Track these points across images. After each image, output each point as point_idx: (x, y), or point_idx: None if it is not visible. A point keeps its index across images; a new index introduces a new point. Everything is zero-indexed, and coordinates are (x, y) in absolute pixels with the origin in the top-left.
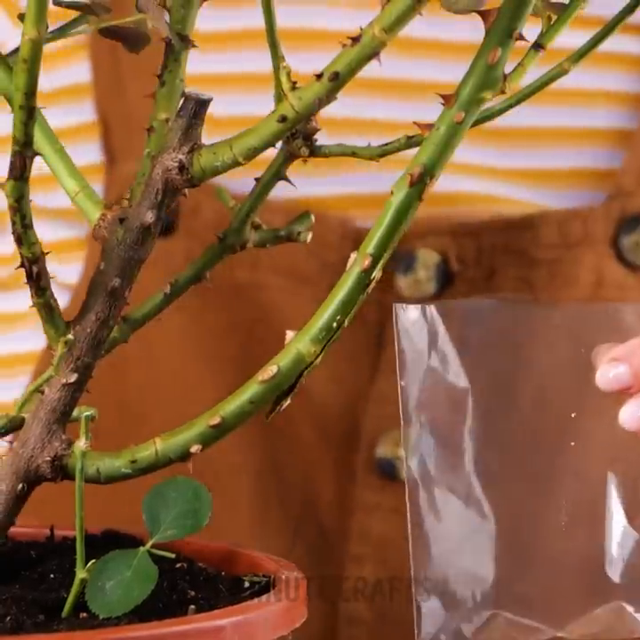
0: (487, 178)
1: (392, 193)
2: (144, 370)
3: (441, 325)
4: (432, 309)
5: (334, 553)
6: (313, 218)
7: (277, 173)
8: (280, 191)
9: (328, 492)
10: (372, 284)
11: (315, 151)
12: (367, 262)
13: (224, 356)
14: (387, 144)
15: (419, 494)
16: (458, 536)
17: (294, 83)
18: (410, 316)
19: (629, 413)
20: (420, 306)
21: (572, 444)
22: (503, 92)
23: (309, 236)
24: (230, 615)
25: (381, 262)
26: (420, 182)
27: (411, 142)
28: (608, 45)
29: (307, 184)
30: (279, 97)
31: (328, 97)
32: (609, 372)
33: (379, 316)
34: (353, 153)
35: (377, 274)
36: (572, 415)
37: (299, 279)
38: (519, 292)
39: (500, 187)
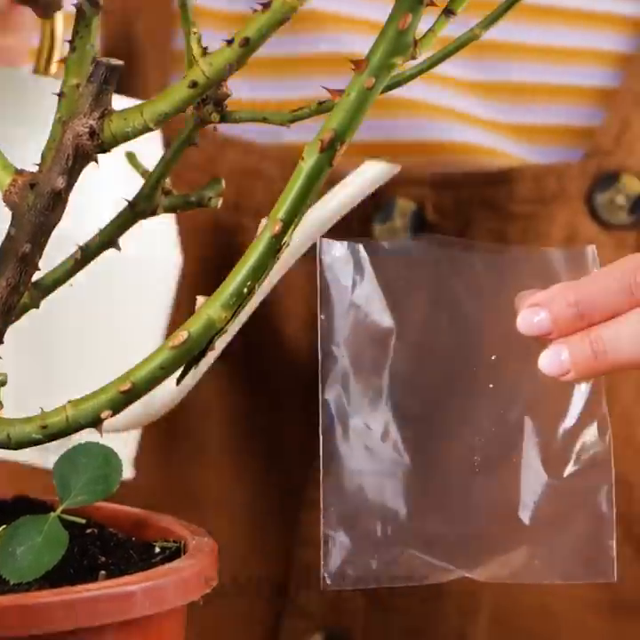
0: (481, 129)
1: (303, 158)
2: None
3: (368, 264)
4: (360, 247)
5: (302, 501)
6: (223, 183)
7: (188, 139)
8: (273, 137)
9: (296, 437)
10: (283, 249)
11: (225, 117)
12: (278, 227)
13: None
14: (297, 110)
15: (334, 427)
16: (371, 471)
17: (205, 49)
18: (335, 252)
19: (548, 359)
20: (346, 242)
21: (491, 386)
22: (414, 58)
23: (220, 202)
24: (141, 581)
25: (292, 228)
26: (330, 148)
27: (322, 108)
28: (598, 5)
29: (297, 130)
30: (190, 63)
31: (239, 62)
32: (529, 317)
33: None
34: (264, 118)
35: (288, 239)
36: (493, 358)
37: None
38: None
39: (493, 139)
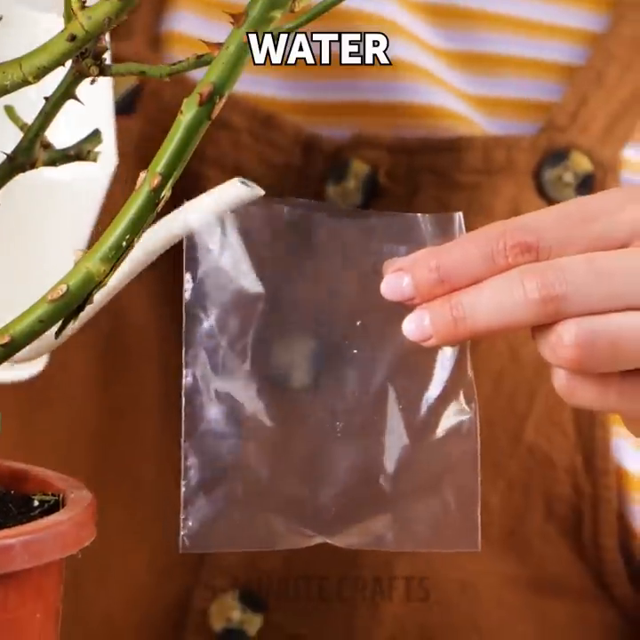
0: (448, 92)
1: (181, 112)
2: None
3: (234, 229)
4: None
5: None
6: (102, 137)
7: (67, 92)
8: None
9: None
10: (162, 203)
11: (104, 70)
12: (156, 181)
13: None
14: (176, 63)
15: (197, 390)
16: (232, 435)
17: (84, 2)
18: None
19: (410, 324)
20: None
21: (355, 352)
22: (293, 11)
23: (99, 156)
24: (19, 534)
25: (171, 181)
26: (209, 102)
27: (200, 61)
28: None
29: (266, 84)
30: (68, 16)
31: (117, 16)
32: (392, 282)
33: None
34: (141, 72)
35: (166, 193)
36: (358, 323)
37: (242, 176)
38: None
39: (457, 103)
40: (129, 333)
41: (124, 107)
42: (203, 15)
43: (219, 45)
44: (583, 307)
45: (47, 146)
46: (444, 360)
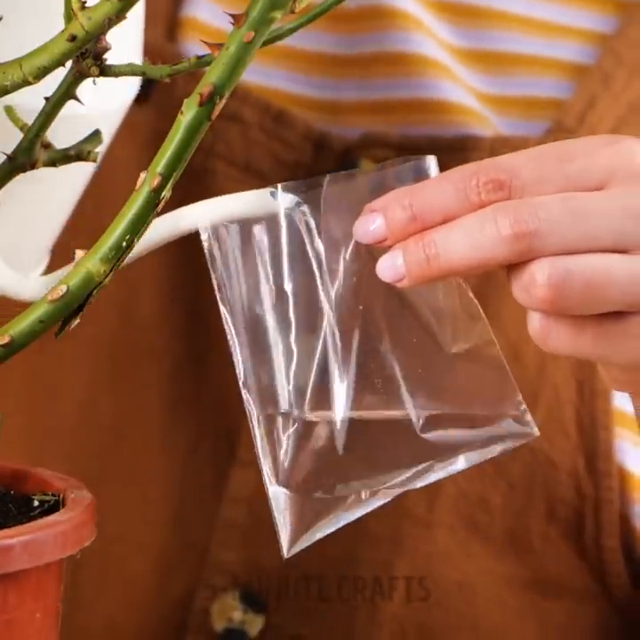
0: (461, 88)
1: (182, 112)
2: None
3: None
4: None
5: (234, 459)
6: (102, 137)
7: (67, 93)
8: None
9: (229, 398)
10: (162, 204)
11: (104, 70)
12: (156, 182)
13: None
14: (176, 63)
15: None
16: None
17: (84, 2)
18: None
19: (384, 264)
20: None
21: (361, 308)
22: (293, 12)
23: (99, 156)
24: (19, 534)
25: (171, 182)
26: (209, 102)
27: (201, 62)
28: None
29: (279, 77)
30: (69, 16)
31: (118, 16)
32: (364, 224)
33: None
34: (143, 72)
35: (167, 193)
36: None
37: (251, 172)
38: None
39: (471, 100)
40: (136, 331)
41: (139, 95)
42: (219, 3)
43: (219, 46)
44: (557, 245)
45: (47, 146)
46: None
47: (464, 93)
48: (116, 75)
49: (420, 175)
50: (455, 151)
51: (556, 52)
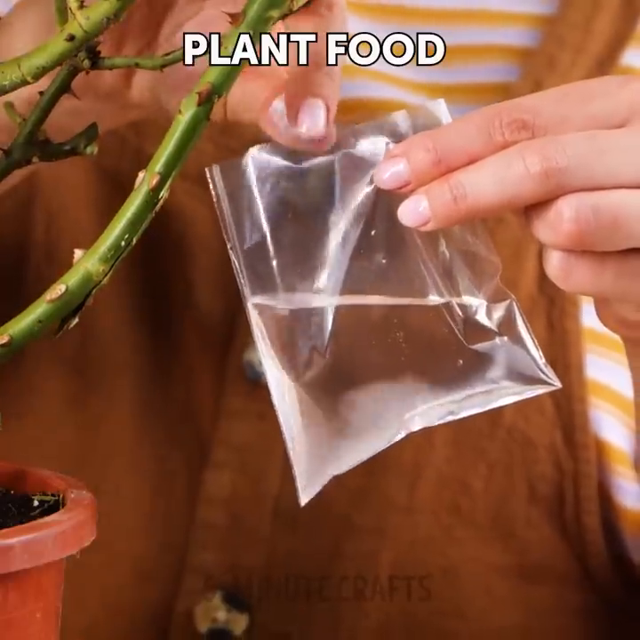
0: (403, 89)
1: (180, 111)
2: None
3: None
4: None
5: (208, 460)
6: (99, 130)
7: (62, 87)
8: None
9: (206, 398)
10: (161, 203)
11: (97, 63)
12: (155, 181)
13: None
14: (169, 53)
15: None
16: None
17: (82, 2)
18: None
19: (406, 209)
20: (229, 165)
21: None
22: (291, 12)
23: (95, 150)
24: (19, 534)
25: (169, 181)
26: (207, 101)
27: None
28: None
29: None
30: (60, 14)
31: (116, 16)
32: (387, 168)
33: None
34: (136, 64)
35: (165, 193)
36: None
37: (203, 184)
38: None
39: (414, 97)
40: (99, 345)
41: None
42: None
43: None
44: (584, 182)
45: (44, 141)
46: None
47: (399, 91)
48: (110, 67)
49: (435, 118)
50: None
51: (499, 39)
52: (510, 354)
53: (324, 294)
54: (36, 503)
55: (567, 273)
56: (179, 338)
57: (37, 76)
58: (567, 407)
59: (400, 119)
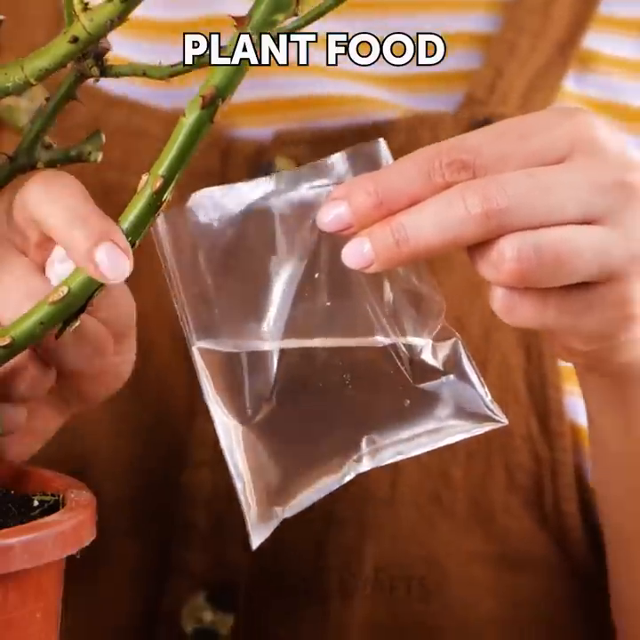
0: (358, 82)
1: (184, 115)
2: None
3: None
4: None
5: (186, 460)
6: (103, 137)
7: (68, 93)
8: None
9: (180, 397)
10: (164, 206)
11: (105, 71)
12: (159, 184)
13: None
14: (176, 64)
15: None
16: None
17: (86, 4)
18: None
19: (350, 251)
20: (172, 212)
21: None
22: (296, 15)
23: (100, 156)
24: (19, 534)
25: (173, 184)
26: (211, 104)
27: (201, 61)
28: None
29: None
30: (70, 18)
31: (120, 18)
32: (329, 211)
33: None
34: (143, 72)
35: (168, 196)
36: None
37: None
38: None
39: (371, 90)
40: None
41: None
42: None
43: (222, 49)
44: (526, 220)
45: (48, 146)
46: None
47: (355, 85)
48: (117, 75)
49: (375, 159)
50: (373, 136)
51: (459, 25)
52: (456, 392)
53: (269, 338)
54: (36, 503)
55: (510, 309)
56: (150, 337)
57: (40, 78)
58: (541, 394)
59: (339, 161)
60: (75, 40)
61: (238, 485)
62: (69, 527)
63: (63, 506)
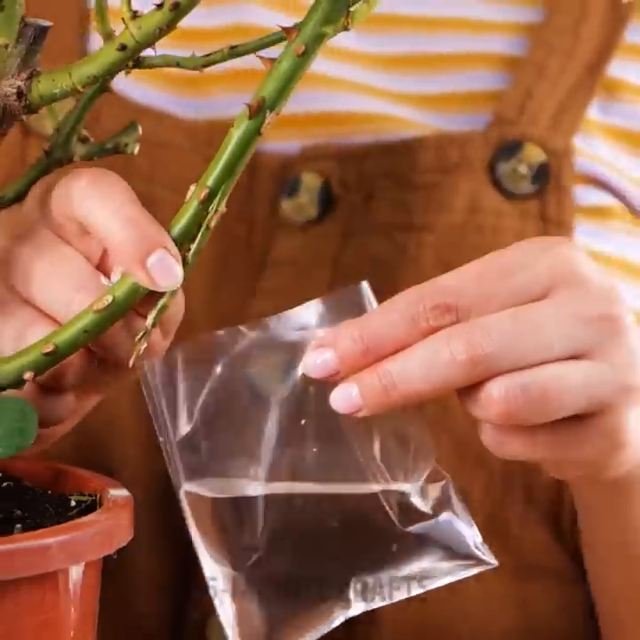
0: (385, 100)
1: (233, 125)
2: None
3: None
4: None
5: None
6: (140, 129)
7: (102, 86)
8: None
9: None
10: (215, 216)
11: (139, 63)
12: (204, 194)
13: None
14: (210, 54)
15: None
16: None
17: (135, 12)
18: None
19: (338, 396)
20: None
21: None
22: (346, 29)
23: (137, 148)
24: (56, 534)
25: (220, 194)
26: (259, 115)
27: (234, 52)
28: None
29: (204, 106)
30: (102, 18)
31: (168, 26)
32: (315, 358)
33: (263, 239)
34: (177, 64)
35: (219, 206)
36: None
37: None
38: (396, 217)
39: (400, 109)
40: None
41: None
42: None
43: (271, 60)
44: (511, 363)
45: (84, 140)
46: None
47: (378, 101)
48: (150, 66)
49: (359, 301)
50: (400, 154)
51: (486, 47)
52: (445, 534)
53: (256, 483)
54: (73, 503)
55: (500, 445)
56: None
57: (87, 85)
58: None
59: (322, 305)
60: (123, 48)
61: (228, 632)
62: (107, 527)
63: (100, 506)
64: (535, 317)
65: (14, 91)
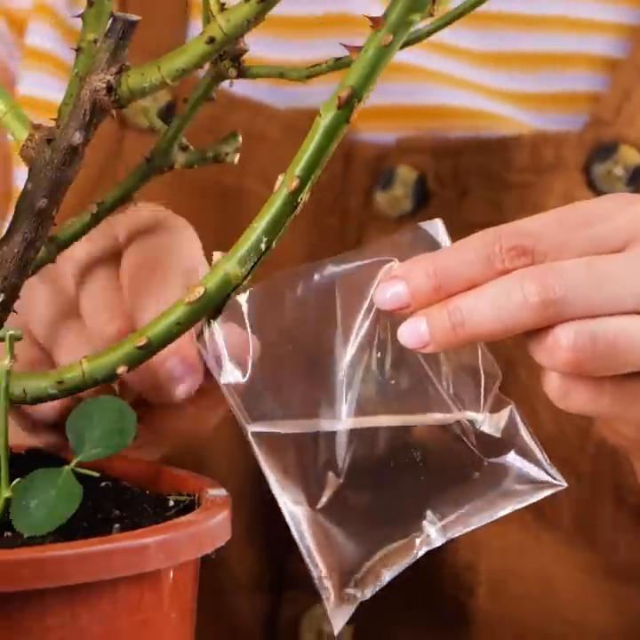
0: (485, 96)
1: (320, 115)
2: None
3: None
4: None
5: None
6: (240, 139)
7: (205, 95)
8: (280, 98)
9: None
10: (300, 206)
11: (243, 72)
12: (295, 184)
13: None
14: (314, 65)
15: None
16: None
17: (223, 4)
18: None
19: (407, 330)
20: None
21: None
22: (432, 15)
23: (237, 157)
24: (154, 534)
25: (309, 184)
26: (347, 105)
27: (339, 64)
28: None
29: (308, 94)
30: (207, 18)
31: (257, 19)
32: (386, 290)
33: (358, 232)
34: (281, 74)
35: (304, 196)
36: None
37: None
38: (489, 216)
39: (499, 106)
40: None
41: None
42: None
43: (357, 49)
44: (582, 310)
45: (185, 148)
46: None
47: (477, 98)
48: (255, 76)
49: (434, 238)
50: (495, 151)
51: (588, 47)
52: (518, 460)
53: (333, 419)
54: (171, 503)
55: (565, 395)
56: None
57: (177, 79)
58: None
59: (399, 241)
60: (211, 40)
61: (314, 572)
62: (205, 527)
63: (198, 506)
64: (610, 268)
65: (104, 85)
